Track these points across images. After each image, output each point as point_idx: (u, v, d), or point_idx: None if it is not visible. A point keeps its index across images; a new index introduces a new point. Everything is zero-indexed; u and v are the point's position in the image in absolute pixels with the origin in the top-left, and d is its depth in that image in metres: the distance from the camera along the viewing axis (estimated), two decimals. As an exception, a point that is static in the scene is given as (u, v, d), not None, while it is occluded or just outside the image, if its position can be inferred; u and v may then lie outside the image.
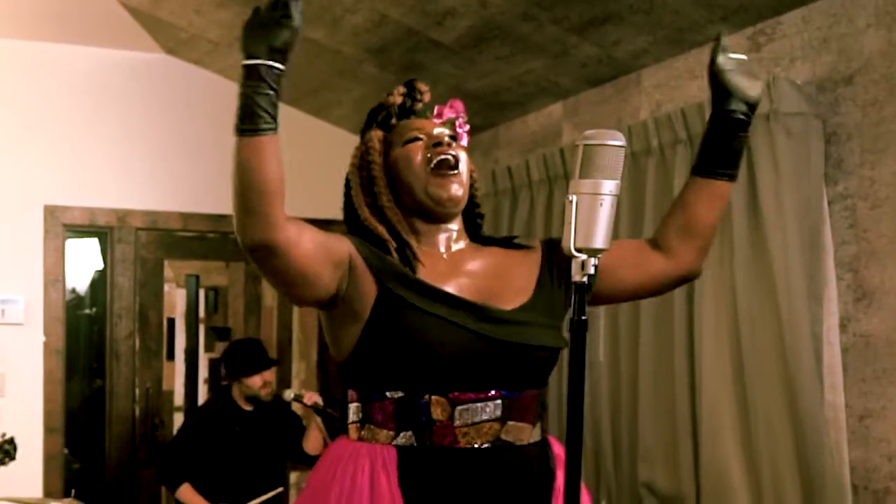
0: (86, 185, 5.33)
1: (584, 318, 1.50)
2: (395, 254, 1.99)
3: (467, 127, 2.24)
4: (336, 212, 6.49)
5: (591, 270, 1.49)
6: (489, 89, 4.62)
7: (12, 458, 4.09)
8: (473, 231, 2.18)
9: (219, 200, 5.52)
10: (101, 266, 5.96)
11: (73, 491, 5.26)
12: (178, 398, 5.62)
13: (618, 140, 1.54)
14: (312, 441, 4.68)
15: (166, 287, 5.59)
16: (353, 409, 2.03)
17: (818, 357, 3.10)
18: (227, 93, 5.50)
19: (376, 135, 2.15)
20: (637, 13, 3.55)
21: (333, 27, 4.35)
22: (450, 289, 1.98)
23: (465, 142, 2.21)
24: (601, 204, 1.51)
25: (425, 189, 2.04)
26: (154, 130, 5.45)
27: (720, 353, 3.35)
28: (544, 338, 2.00)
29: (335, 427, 4.25)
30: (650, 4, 3.47)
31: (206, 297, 5.73)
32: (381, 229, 2.03)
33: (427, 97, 2.21)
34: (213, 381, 5.70)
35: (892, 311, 2.94)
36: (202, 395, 5.68)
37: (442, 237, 2.09)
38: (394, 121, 2.18)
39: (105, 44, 5.32)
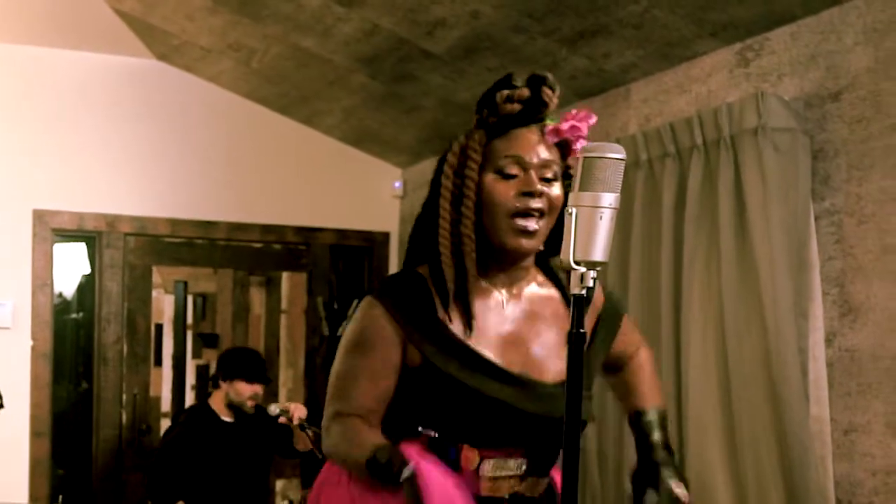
0: (75, 190, 5.33)
1: (582, 330, 1.52)
2: (451, 300, 1.95)
3: (584, 142, 2.07)
4: (323, 220, 6.47)
5: (590, 283, 1.51)
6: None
7: None
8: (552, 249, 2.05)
9: (207, 207, 5.54)
10: (88, 271, 5.95)
11: (60, 497, 5.23)
12: (165, 404, 5.61)
13: (618, 153, 1.55)
14: (303, 440, 4.58)
15: (154, 293, 5.58)
16: None
17: (804, 371, 3.12)
18: (217, 99, 5.53)
19: (480, 140, 2.01)
20: (627, 27, 3.58)
21: (324, 36, 4.37)
22: (495, 353, 1.97)
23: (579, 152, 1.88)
24: (601, 217, 1.53)
25: (500, 236, 1.96)
26: (144, 136, 5.45)
27: (706, 366, 3.37)
28: None
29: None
30: (640, 19, 3.49)
31: (195, 303, 5.72)
32: (450, 272, 1.95)
33: (552, 106, 2.05)
34: (200, 387, 5.69)
35: (877, 326, 2.97)
36: (189, 402, 5.66)
37: (507, 276, 2.03)
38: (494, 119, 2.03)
39: (96, 49, 5.32)
